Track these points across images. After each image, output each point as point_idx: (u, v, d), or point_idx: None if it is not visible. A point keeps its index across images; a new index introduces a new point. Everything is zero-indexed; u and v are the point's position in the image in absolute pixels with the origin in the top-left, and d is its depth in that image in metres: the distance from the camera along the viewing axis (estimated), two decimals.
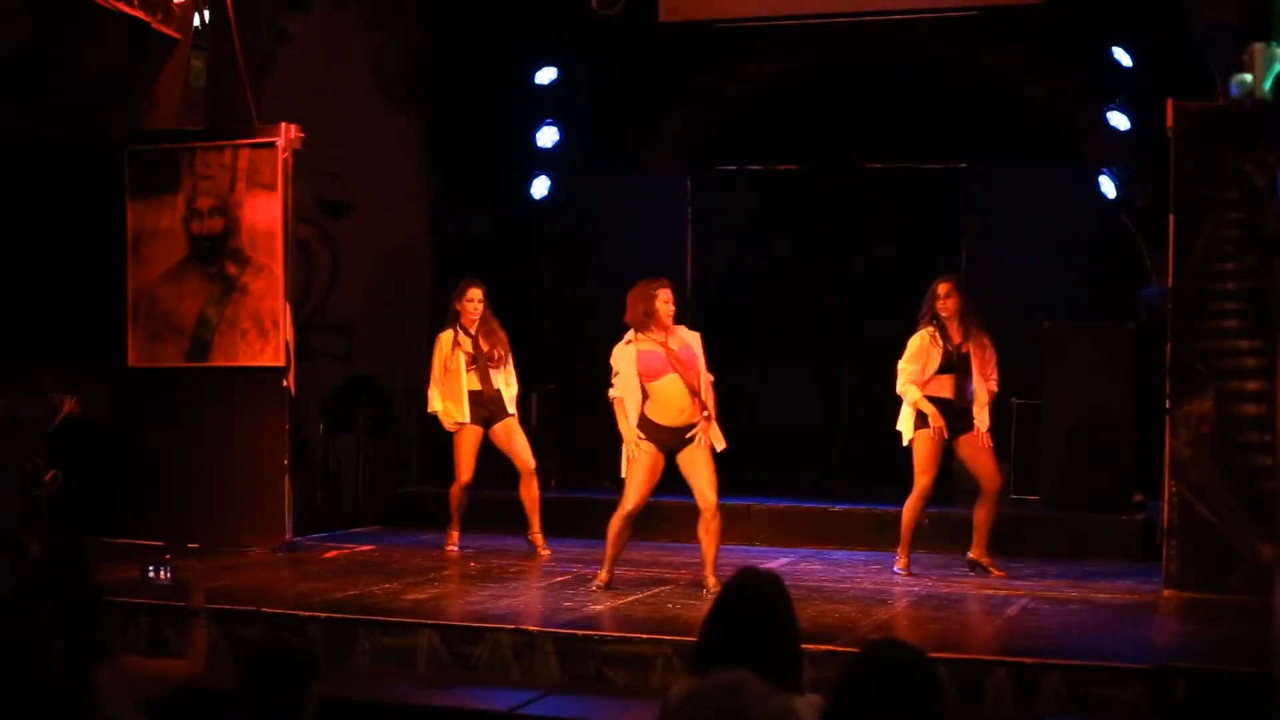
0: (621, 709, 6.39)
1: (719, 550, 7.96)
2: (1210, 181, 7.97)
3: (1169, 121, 8.07)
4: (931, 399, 8.58)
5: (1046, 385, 10.43)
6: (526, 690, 6.48)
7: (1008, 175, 11.61)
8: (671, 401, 7.83)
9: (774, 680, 3.73)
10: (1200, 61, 8.99)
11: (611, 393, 7.98)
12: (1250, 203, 7.85)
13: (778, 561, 9.29)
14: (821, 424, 11.77)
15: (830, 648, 6.16)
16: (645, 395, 7.85)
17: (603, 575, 8.03)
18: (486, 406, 9.40)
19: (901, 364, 8.68)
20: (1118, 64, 10.55)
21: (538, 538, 9.49)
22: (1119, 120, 10.58)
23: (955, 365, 8.62)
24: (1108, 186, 10.85)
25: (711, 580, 7.82)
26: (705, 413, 7.87)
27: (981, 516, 8.70)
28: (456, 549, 9.47)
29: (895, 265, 11.24)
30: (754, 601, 3.88)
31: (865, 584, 8.45)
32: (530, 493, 9.46)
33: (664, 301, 7.86)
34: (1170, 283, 8.12)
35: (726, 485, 11.08)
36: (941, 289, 8.68)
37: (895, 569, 8.76)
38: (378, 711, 6.24)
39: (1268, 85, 6.90)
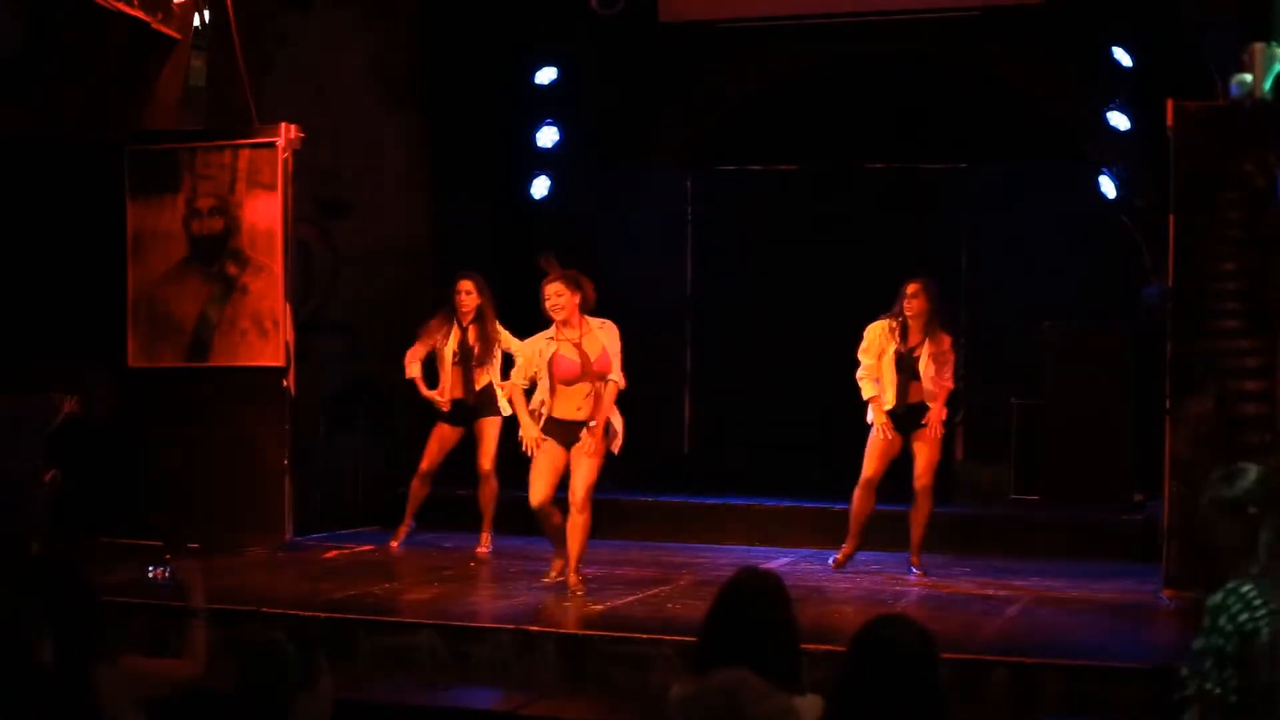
0: (621, 709, 6.40)
1: (582, 548, 7.94)
2: (1210, 181, 7.96)
3: (1169, 121, 8.06)
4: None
5: (1046, 385, 10.42)
6: (526, 690, 6.48)
7: (1008, 175, 11.61)
8: (573, 399, 7.86)
9: (774, 680, 3.73)
10: (1200, 61, 8.99)
11: (511, 382, 7.98)
12: (1250, 203, 7.85)
13: (778, 561, 9.29)
14: (822, 423, 11.75)
15: (830, 648, 6.14)
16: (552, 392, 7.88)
17: (554, 573, 8.08)
18: (467, 409, 9.39)
19: (860, 354, 8.71)
20: (1118, 64, 10.54)
21: (483, 537, 9.48)
22: (1119, 120, 10.57)
23: (902, 368, 8.63)
24: (1108, 186, 10.84)
25: (574, 579, 7.88)
26: (591, 423, 7.82)
27: (912, 515, 8.73)
28: (398, 544, 9.51)
29: (895, 265, 11.22)
30: (754, 601, 3.89)
31: (865, 584, 8.45)
32: (483, 494, 9.45)
33: (546, 298, 7.86)
34: (1170, 283, 8.12)
35: (727, 485, 11.17)
36: (910, 289, 8.67)
37: (830, 561, 8.85)
38: (378, 711, 6.24)
39: (1268, 85, 6.91)
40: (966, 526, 10.03)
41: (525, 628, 6.83)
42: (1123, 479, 10.09)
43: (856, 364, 8.79)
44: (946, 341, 8.73)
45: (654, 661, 6.54)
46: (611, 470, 11.63)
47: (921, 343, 8.64)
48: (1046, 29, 10.82)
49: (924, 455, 8.63)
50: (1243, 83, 7.77)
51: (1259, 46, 7.79)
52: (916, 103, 11.74)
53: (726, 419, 12.28)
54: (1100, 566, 9.11)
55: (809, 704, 3.73)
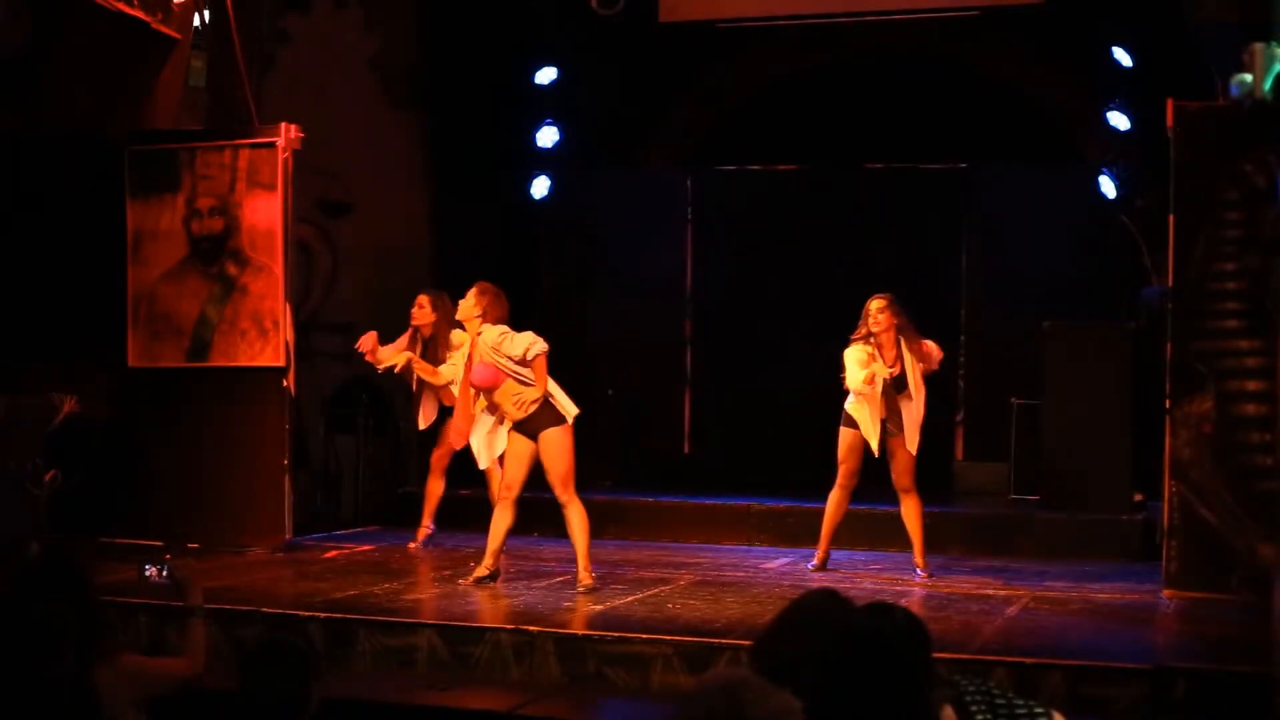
0: (621, 709, 6.40)
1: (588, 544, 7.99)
2: (1210, 181, 7.96)
3: (1169, 121, 8.06)
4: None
5: (1046, 385, 10.42)
6: (526, 690, 6.48)
7: (1008, 175, 11.62)
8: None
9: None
10: (1200, 61, 8.99)
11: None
12: (1250, 203, 7.84)
13: (778, 562, 9.29)
14: (821, 424, 11.73)
15: None
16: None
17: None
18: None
19: (849, 377, 8.45)
20: (1118, 64, 10.55)
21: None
22: (1119, 120, 10.58)
23: (890, 390, 8.45)
24: (1108, 186, 10.85)
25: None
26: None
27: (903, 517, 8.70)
28: (417, 545, 9.62)
29: (895, 265, 11.24)
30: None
31: (865, 584, 8.44)
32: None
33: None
34: (1170, 283, 8.12)
35: (728, 485, 11.16)
36: (874, 306, 8.47)
37: (809, 564, 8.82)
38: (378, 711, 6.23)
39: (1268, 85, 6.89)
40: (966, 526, 10.03)
41: (525, 628, 6.83)
42: (1123, 479, 10.09)
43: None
44: (929, 348, 8.52)
45: (654, 661, 6.53)
46: (612, 470, 11.71)
47: (899, 359, 8.42)
48: (1046, 29, 10.83)
49: (900, 460, 8.53)
50: (1243, 83, 7.76)
51: (1259, 46, 7.78)
52: (916, 103, 11.76)
53: (726, 419, 12.28)
54: (1100, 566, 9.11)
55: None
